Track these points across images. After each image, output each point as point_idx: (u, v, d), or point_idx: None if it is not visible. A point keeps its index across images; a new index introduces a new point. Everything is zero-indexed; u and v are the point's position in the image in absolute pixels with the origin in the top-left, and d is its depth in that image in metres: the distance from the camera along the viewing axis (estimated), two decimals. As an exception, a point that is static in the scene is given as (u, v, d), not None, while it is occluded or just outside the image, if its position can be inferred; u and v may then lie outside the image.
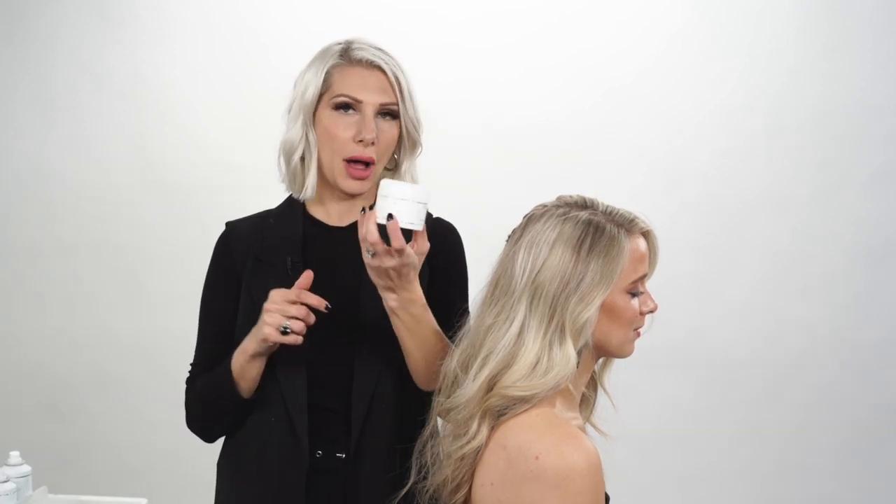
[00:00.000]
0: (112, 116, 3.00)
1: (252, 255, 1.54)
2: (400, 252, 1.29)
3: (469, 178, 2.92)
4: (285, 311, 1.39)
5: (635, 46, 2.94)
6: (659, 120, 2.96)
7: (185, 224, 2.97)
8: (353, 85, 1.49)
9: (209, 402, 1.53)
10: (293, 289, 1.41)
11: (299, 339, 1.40)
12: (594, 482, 1.14)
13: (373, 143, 1.47)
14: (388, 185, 1.31)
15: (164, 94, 2.98)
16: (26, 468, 1.93)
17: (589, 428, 1.37)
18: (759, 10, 2.93)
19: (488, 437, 1.22)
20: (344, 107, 1.49)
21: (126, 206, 3.02)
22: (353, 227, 1.54)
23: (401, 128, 1.52)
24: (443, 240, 1.56)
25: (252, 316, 1.48)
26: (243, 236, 1.57)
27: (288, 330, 1.39)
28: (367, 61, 1.50)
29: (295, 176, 1.54)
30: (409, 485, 1.33)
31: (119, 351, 3.06)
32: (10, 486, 1.83)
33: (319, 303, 1.40)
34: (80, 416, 3.06)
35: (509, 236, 1.30)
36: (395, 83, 1.50)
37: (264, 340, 1.40)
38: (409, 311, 1.38)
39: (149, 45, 2.97)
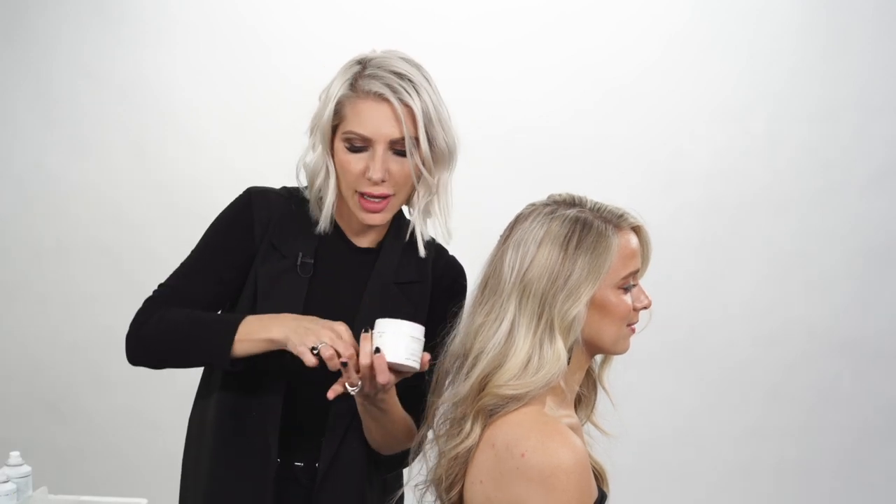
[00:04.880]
0: (112, 117, 3.00)
1: (268, 238, 1.51)
2: (383, 386, 1.31)
3: (469, 178, 2.90)
4: (334, 342, 1.32)
5: (635, 46, 2.94)
6: (659, 120, 2.96)
7: (185, 224, 2.96)
8: (362, 121, 1.40)
9: (182, 339, 1.45)
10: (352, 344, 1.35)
11: (314, 363, 1.32)
12: (580, 479, 1.14)
13: (383, 181, 1.42)
14: (378, 322, 1.32)
15: (164, 95, 2.98)
16: (26, 468, 1.93)
17: (590, 427, 1.37)
18: (759, 10, 2.93)
19: (480, 436, 1.22)
20: (355, 142, 1.42)
21: (126, 207, 3.01)
22: (368, 251, 1.54)
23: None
24: (453, 283, 1.57)
25: (254, 297, 1.48)
26: (268, 212, 1.52)
27: (317, 351, 1.32)
28: (374, 94, 1.39)
29: (318, 201, 1.50)
30: (406, 483, 1.34)
31: (119, 351, 3.03)
32: (10, 486, 1.83)
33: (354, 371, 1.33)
34: (80, 416, 3.06)
35: (500, 236, 1.30)
36: (402, 118, 1.39)
37: (289, 343, 1.35)
38: (376, 405, 1.39)
39: (149, 45, 2.97)
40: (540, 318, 1.20)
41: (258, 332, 1.39)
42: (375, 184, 1.41)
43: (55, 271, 3.04)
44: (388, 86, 1.39)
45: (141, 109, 2.99)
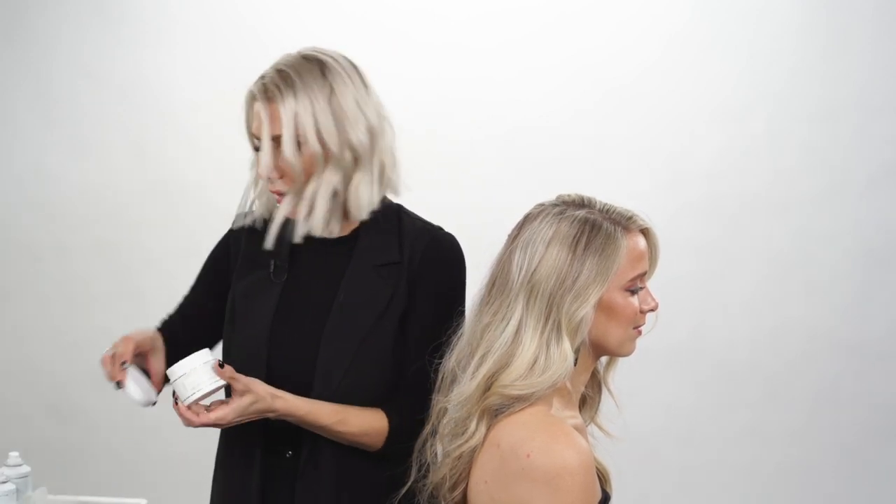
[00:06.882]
0: (112, 117, 3.00)
1: (242, 255, 1.55)
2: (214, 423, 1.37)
3: (469, 178, 2.92)
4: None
5: (635, 46, 2.94)
6: (659, 120, 2.96)
7: (184, 224, 2.97)
8: (249, 122, 1.48)
9: None
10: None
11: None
12: (585, 481, 1.14)
13: (272, 178, 1.45)
14: (169, 372, 1.39)
15: (164, 95, 2.98)
16: (26, 468, 1.92)
17: (594, 429, 1.37)
18: (759, 10, 2.93)
19: (484, 436, 1.22)
20: (252, 141, 1.50)
21: (126, 207, 3.02)
22: (344, 239, 1.52)
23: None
24: (430, 260, 1.52)
25: (232, 311, 1.53)
26: (240, 234, 1.58)
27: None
28: (249, 94, 1.46)
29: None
30: (409, 483, 1.33)
31: (119, 351, 3.05)
32: (9, 486, 1.83)
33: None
34: (80, 416, 3.06)
35: (508, 235, 1.30)
36: (263, 118, 1.42)
37: None
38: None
39: (149, 45, 2.97)
40: (547, 318, 1.20)
41: None
42: (269, 181, 1.46)
43: (55, 271, 3.04)
44: (262, 84, 1.43)
45: (141, 109, 2.99)
